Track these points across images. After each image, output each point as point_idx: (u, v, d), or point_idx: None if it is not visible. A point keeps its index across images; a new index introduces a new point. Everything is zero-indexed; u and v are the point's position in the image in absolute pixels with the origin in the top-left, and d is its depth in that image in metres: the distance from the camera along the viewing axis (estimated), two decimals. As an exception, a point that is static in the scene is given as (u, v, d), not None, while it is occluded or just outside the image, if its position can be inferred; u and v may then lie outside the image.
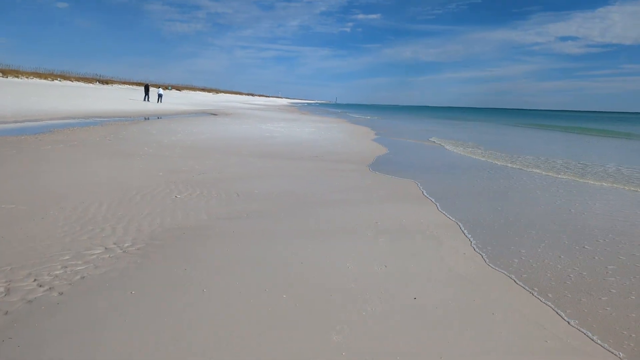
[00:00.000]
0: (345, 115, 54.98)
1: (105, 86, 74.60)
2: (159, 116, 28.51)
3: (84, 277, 3.89)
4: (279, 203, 6.82)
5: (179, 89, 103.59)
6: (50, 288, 3.65)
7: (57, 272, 3.93)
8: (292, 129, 22.43)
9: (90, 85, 71.51)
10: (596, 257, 5.00)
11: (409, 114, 73.73)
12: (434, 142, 19.73)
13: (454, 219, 6.35)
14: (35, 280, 3.77)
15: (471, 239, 5.46)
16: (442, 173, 11.00)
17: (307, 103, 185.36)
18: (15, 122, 18.79)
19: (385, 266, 4.43)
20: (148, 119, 25.69)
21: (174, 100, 57.39)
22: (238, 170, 9.58)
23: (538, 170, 11.60)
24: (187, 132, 17.49)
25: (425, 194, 8.00)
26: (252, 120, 28.84)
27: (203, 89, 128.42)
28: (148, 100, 45.08)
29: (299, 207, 6.67)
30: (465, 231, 5.79)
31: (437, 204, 7.23)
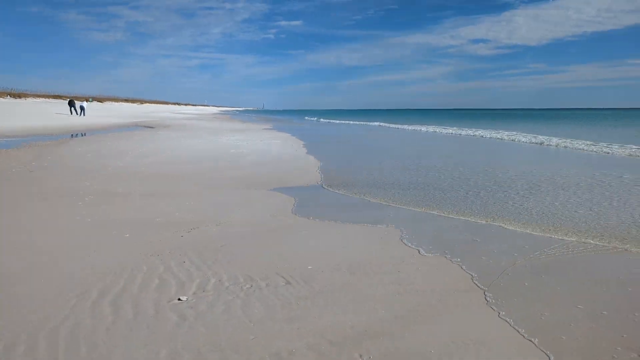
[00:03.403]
0: (283, 121, 52.12)
1: (19, 100, 66.68)
2: (86, 132, 24.09)
3: None
4: (372, 304, 3.69)
5: (100, 100, 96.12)
6: None
7: None
8: (254, 142, 19.10)
9: (1, 99, 63.54)
10: None
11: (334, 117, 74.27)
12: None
13: None
14: None
15: None
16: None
17: (236, 110, 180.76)
18: None
19: None
20: (76, 135, 21.37)
21: (99, 112, 51.81)
22: (244, 217, 6.32)
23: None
24: (136, 153, 13.71)
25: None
26: (201, 133, 25.05)
27: (127, 100, 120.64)
28: (77, 113, 40.16)
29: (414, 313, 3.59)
30: None
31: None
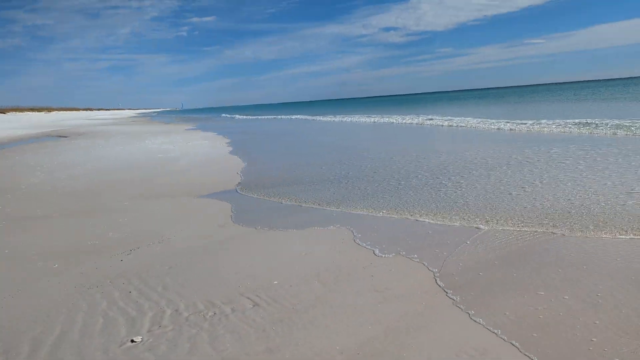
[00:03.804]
0: (204, 120, 50.79)
1: None
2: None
3: None
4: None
5: (3, 111, 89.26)
6: None
7: None
8: (179, 145, 18.28)
9: None
10: None
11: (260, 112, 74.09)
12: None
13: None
14: None
15: None
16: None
17: (155, 112, 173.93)
18: None
19: None
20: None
21: (3, 124, 47.74)
22: (186, 230, 5.88)
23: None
24: (51, 166, 12.58)
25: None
26: (122, 138, 23.62)
27: (32, 109, 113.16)
28: None
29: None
30: None
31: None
